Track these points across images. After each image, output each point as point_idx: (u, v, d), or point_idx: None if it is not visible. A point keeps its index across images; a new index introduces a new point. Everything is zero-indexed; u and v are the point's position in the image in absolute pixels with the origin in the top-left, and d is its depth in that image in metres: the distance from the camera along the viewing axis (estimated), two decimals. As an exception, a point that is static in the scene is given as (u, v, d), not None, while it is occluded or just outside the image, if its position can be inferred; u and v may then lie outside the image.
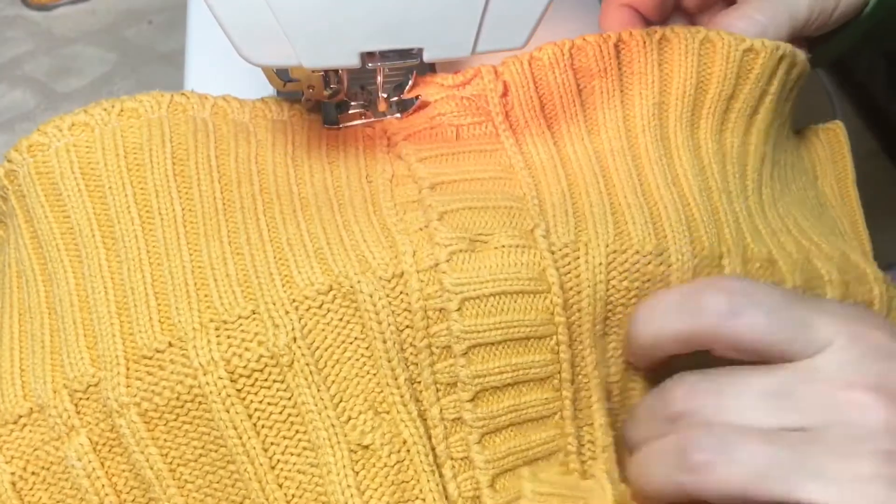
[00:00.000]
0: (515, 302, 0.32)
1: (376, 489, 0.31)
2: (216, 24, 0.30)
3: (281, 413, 0.30)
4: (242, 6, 0.30)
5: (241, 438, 0.30)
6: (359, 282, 0.31)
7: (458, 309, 0.31)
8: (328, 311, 0.31)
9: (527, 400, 0.33)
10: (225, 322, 0.30)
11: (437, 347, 0.32)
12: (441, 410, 0.32)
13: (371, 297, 0.31)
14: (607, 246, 0.33)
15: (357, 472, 0.30)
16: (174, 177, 0.34)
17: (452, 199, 0.34)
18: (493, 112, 0.38)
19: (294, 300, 0.31)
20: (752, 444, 0.28)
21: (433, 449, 0.32)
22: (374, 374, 0.31)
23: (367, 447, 0.31)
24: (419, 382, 0.32)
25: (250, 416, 0.30)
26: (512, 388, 0.32)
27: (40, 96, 1.57)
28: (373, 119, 0.39)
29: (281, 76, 0.38)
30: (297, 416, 0.31)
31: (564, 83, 0.38)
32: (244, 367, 0.30)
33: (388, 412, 0.31)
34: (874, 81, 0.67)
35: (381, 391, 0.31)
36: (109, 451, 0.31)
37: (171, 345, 0.30)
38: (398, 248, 0.32)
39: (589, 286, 0.32)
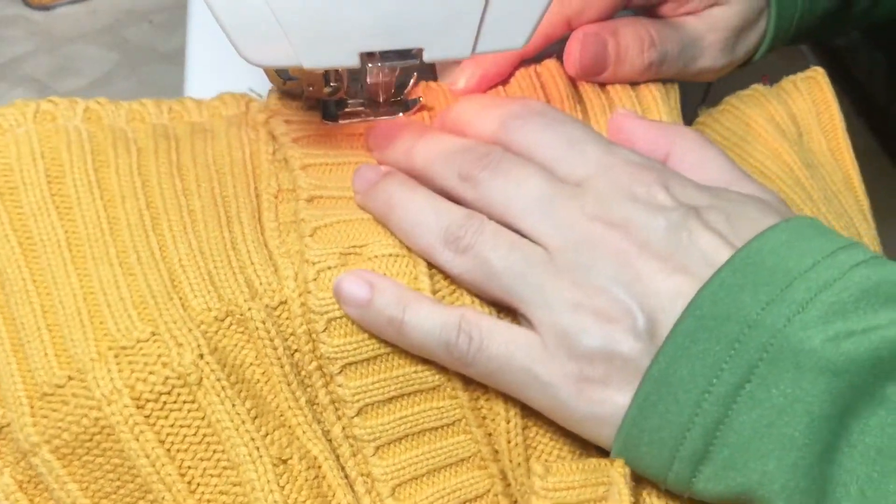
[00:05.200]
0: None
1: (304, 502, 0.30)
2: (216, 24, 0.30)
3: (195, 434, 0.30)
4: (242, 6, 0.30)
5: (154, 466, 0.29)
6: (249, 309, 0.30)
7: (325, 329, 0.31)
8: (224, 336, 0.30)
9: (419, 410, 0.32)
10: (124, 348, 0.29)
11: (326, 368, 0.31)
12: (343, 429, 0.32)
13: (264, 323, 0.30)
14: None
15: (283, 487, 0.30)
16: (51, 197, 0.32)
17: (327, 214, 0.33)
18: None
19: (193, 320, 0.30)
20: (501, 243, 0.30)
21: (342, 467, 0.32)
22: (275, 397, 0.31)
23: (286, 462, 0.30)
24: (318, 403, 0.32)
25: (162, 442, 0.29)
26: (399, 399, 0.32)
27: (41, 96, 1.56)
28: (372, 118, 0.39)
29: (281, 74, 0.38)
30: (212, 435, 0.30)
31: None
32: (150, 391, 0.29)
33: (294, 432, 0.31)
34: (874, 81, 0.67)
35: (283, 414, 0.31)
36: (35, 487, 0.30)
37: (70, 378, 0.29)
38: (280, 272, 0.31)
39: (463, 283, 0.32)
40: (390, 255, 0.32)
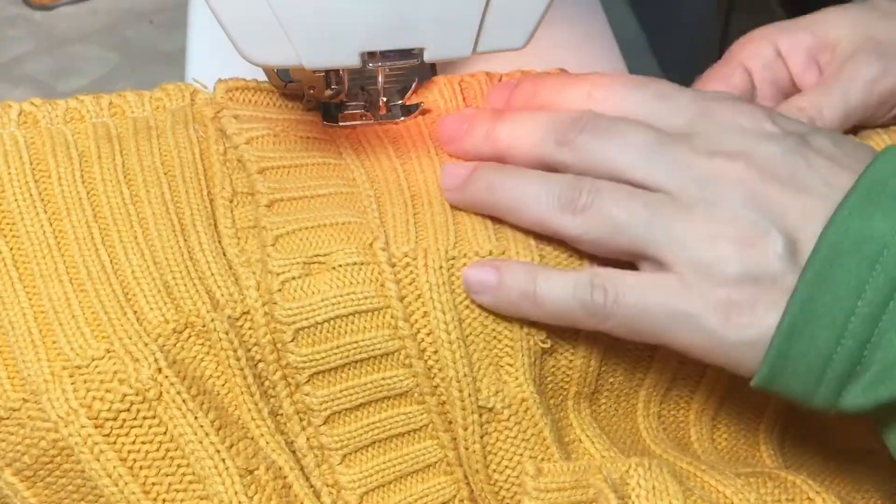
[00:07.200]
0: (353, 323, 0.31)
1: None
2: (217, 24, 0.30)
3: (158, 450, 0.29)
4: (244, 6, 0.30)
5: (117, 486, 0.29)
6: (213, 320, 0.30)
7: (293, 340, 0.31)
8: (182, 348, 0.30)
9: (387, 416, 0.32)
10: (78, 367, 0.29)
11: (291, 378, 0.31)
12: (308, 439, 0.32)
13: (227, 334, 0.30)
14: (447, 252, 0.32)
15: (251, 498, 0.29)
16: None
17: (288, 220, 0.33)
18: (336, 130, 0.38)
19: (150, 334, 0.30)
20: (621, 196, 0.30)
21: (307, 478, 0.31)
22: (237, 409, 0.31)
23: (252, 472, 0.30)
24: (281, 414, 0.31)
25: (123, 461, 0.29)
26: (367, 406, 0.32)
27: (41, 96, 1.56)
28: (373, 122, 0.39)
29: (282, 76, 0.38)
30: (176, 449, 0.29)
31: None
32: (108, 409, 0.28)
33: (257, 443, 0.31)
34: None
35: (245, 426, 0.31)
36: None
37: (25, 401, 0.28)
38: (242, 282, 0.31)
39: (430, 291, 0.31)
40: (355, 263, 0.32)
